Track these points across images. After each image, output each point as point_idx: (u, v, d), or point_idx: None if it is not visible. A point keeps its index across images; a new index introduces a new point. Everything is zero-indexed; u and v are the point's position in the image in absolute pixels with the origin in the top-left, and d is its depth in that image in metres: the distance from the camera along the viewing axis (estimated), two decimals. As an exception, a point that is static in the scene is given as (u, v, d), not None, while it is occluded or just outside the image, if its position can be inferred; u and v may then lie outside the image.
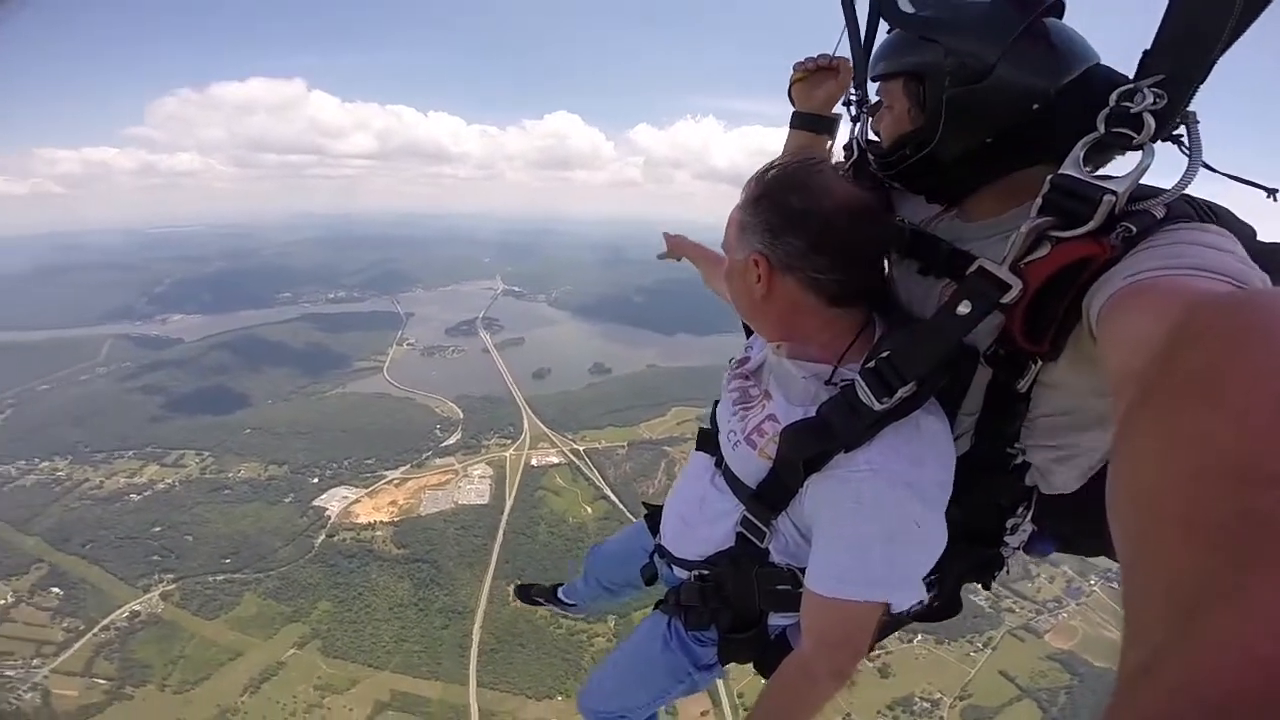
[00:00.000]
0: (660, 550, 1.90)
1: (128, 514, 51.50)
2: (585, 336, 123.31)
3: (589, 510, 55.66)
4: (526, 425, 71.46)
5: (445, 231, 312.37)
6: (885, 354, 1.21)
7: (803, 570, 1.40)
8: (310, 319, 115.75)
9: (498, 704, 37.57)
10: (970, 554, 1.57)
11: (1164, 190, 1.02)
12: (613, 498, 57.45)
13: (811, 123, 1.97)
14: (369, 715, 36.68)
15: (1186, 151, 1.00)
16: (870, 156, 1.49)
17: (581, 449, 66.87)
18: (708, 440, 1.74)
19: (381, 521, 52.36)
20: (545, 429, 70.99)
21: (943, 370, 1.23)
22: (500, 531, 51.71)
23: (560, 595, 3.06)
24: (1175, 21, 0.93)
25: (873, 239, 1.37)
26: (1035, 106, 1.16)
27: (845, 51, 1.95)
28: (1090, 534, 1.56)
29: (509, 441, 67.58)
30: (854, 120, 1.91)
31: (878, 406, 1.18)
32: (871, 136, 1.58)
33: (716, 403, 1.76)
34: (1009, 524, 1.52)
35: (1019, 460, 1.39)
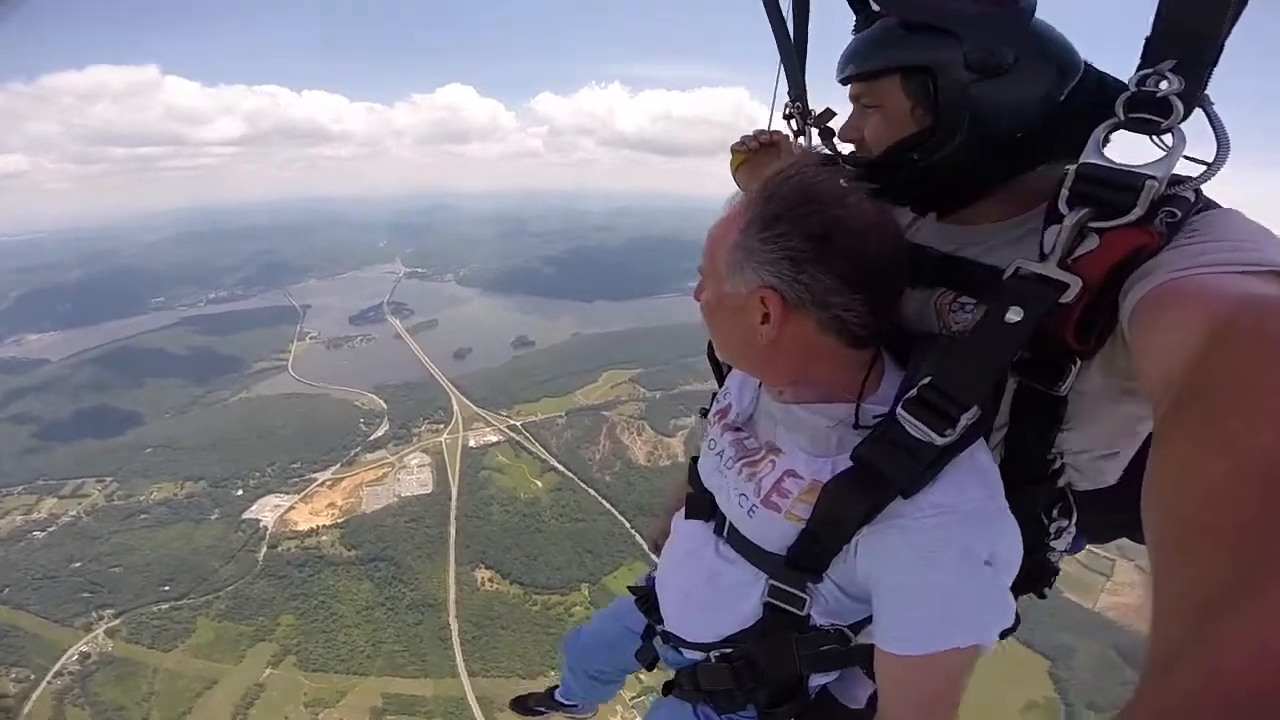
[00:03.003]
0: (664, 635, 1.66)
1: (36, 552, 47.52)
2: (501, 311, 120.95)
3: (539, 484, 55.83)
4: (456, 407, 70.09)
5: (331, 216, 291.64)
6: (926, 381, 1.08)
7: (850, 628, 1.29)
8: (191, 323, 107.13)
9: (492, 689, 37.60)
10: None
11: (1187, 177, 0.99)
12: (561, 468, 57.76)
13: None
14: (369, 723, 35.97)
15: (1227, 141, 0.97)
16: (847, 168, 1.28)
17: (519, 424, 66.42)
18: (699, 506, 1.52)
19: (324, 525, 50.49)
20: (477, 409, 69.89)
21: (999, 388, 1.14)
22: (452, 518, 51.04)
23: (558, 697, 2.77)
24: (1178, 4, 0.92)
25: (902, 265, 1.19)
26: (1060, 100, 1.14)
27: (779, 124, 1.88)
28: (1111, 523, 1.55)
29: (441, 426, 66.19)
30: (797, 134, 1.85)
31: (940, 441, 1.04)
32: (841, 147, 1.48)
33: (694, 459, 1.59)
34: (1052, 529, 1.44)
35: (1056, 465, 1.33)
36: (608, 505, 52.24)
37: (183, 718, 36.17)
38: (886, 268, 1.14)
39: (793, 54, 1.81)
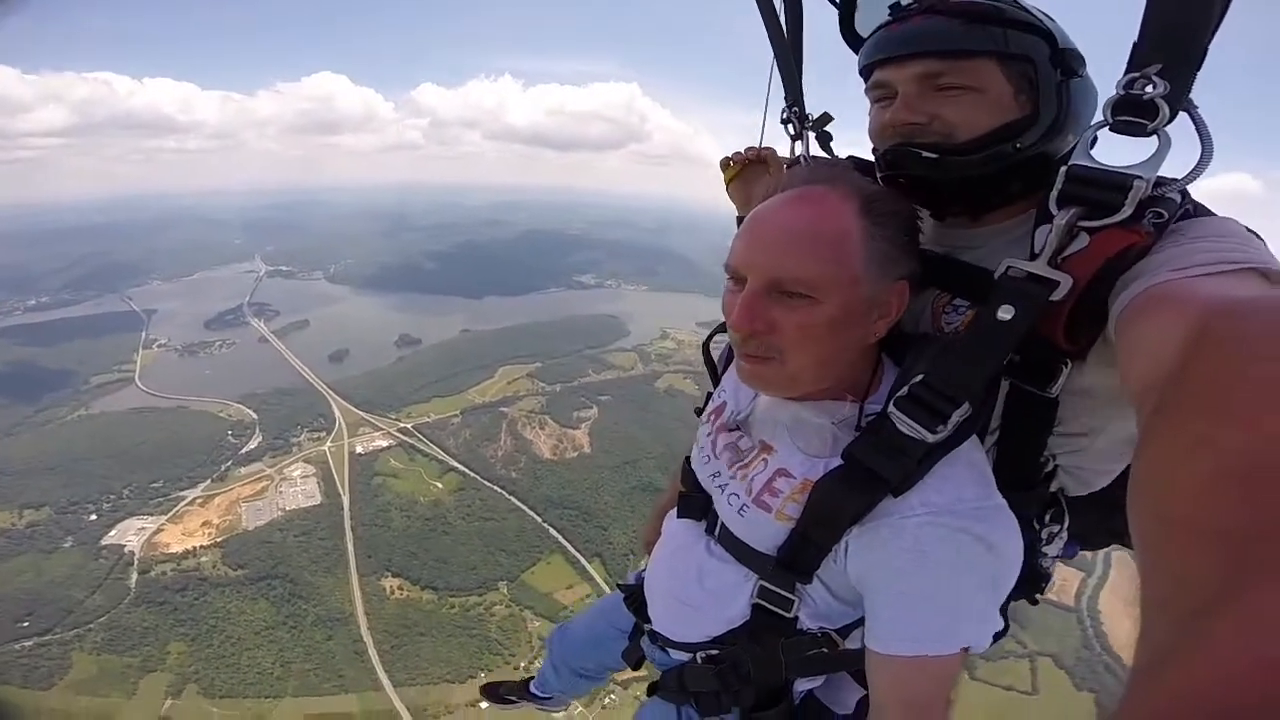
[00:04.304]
0: (651, 635, 1.64)
1: None
2: (380, 310, 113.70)
3: (440, 485, 53.84)
4: (338, 413, 65.60)
5: (176, 213, 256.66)
6: (919, 379, 1.07)
7: (838, 632, 1.28)
8: (7, 333, 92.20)
9: (422, 698, 36.12)
10: None
11: (1173, 179, 1.01)
12: (461, 468, 56.02)
13: None
14: (294, 745, 33.70)
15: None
16: (927, 155, 1.21)
17: (410, 426, 63.51)
18: (690, 505, 1.50)
19: (202, 546, 45.80)
20: (361, 413, 65.86)
21: (993, 387, 1.15)
22: (347, 528, 48.06)
23: (533, 689, 2.74)
24: (1163, 11, 0.94)
25: None
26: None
27: (770, 140, 1.91)
28: (1104, 529, 1.56)
29: (323, 434, 61.69)
30: (794, 139, 1.89)
31: (931, 438, 1.04)
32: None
33: (686, 459, 1.58)
34: (1044, 534, 1.43)
35: (1048, 469, 1.32)
36: (516, 502, 51.28)
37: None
38: None
39: (789, 58, 1.82)
